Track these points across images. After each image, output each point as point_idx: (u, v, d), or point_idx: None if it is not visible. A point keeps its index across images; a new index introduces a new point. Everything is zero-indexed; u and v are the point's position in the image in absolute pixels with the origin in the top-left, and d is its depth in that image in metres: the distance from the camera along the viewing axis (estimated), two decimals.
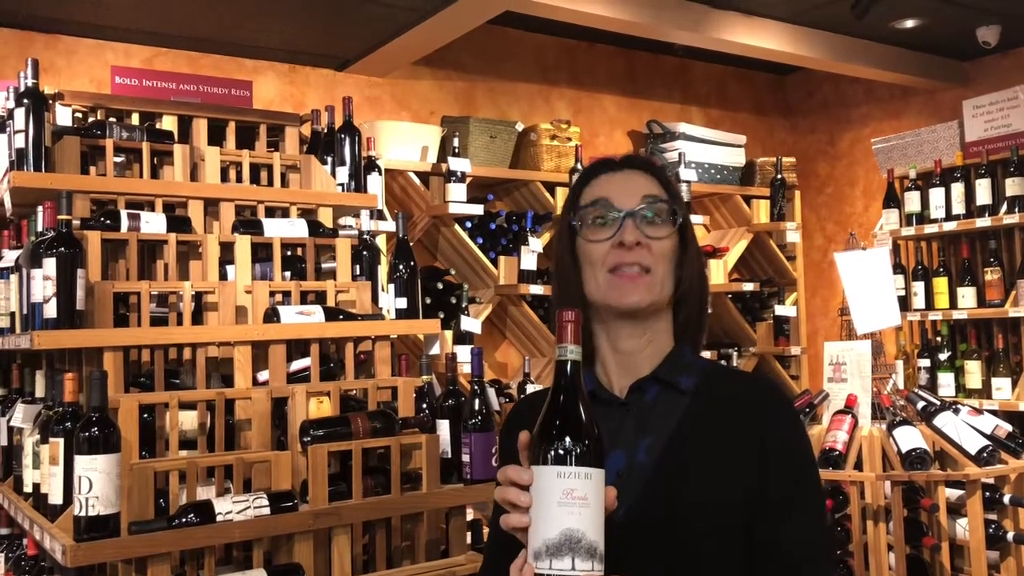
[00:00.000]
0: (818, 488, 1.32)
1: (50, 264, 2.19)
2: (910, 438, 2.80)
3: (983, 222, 4.54)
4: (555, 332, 1.15)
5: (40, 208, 2.38)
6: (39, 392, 2.65)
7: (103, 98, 3.07)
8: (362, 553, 2.28)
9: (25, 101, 2.47)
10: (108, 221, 2.44)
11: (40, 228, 2.39)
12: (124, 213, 2.47)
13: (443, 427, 2.50)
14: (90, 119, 2.95)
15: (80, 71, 4.12)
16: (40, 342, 2.15)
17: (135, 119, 2.98)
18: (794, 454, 1.29)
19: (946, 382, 4.69)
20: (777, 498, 1.24)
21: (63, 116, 2.90)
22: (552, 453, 1.08)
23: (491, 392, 3.65)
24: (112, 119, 2.88)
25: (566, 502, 1.06)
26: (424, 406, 2.65)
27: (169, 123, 2.99)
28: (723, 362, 4.86)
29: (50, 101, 2.70)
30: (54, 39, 4.09)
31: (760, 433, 1.27)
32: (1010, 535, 2.84)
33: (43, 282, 2.21)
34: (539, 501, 1.08)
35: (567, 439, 1.09)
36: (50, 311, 2.19)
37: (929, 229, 4.75)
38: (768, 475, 1.24)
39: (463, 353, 3.84)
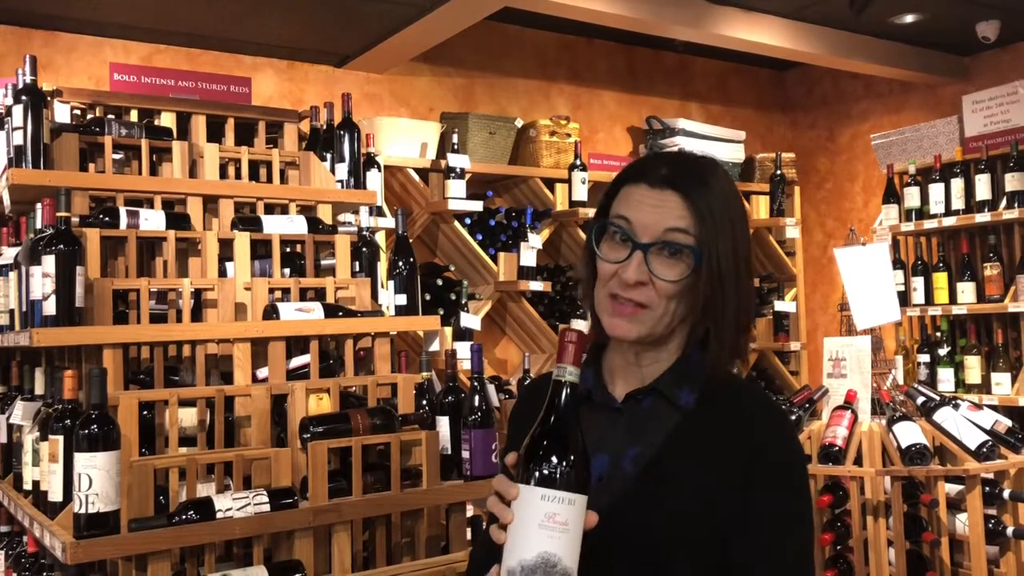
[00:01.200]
0: (806, 513, 1.26)
1: (49, 261, 2.19)
2: (910, 433, 2.80)
3: (982, 217, 4.54)
4: (559, 342, 1.12)
5: (39, 205, 2.37)
6: (38, 389, 2.65)
7: (102, 95, 3.06)
8: (362, 550, 2.28)
9: (23, 98, 2.47)
10: (107, 218, 2.43)
11: (39, 225, 2.39)
12: (123, 210, 2.46)
13: (443, 424, 2.50)
14: (89, 116, 2.95)
15: (79, 68, 4.12)
16: (39, 339, 2.15)
17: (134, 116, 2.98)
18: (786, 476, 1.25)
19: (945, 377, 4.69)
20: (763, 521, 1.21)
21: (62, 113, 2.89)
22: (538, 474, 1.07)
23: (491, 388, 3.65)
24: (111, 116, 2.87)
25: (547, 525, 1.05)
26: (424, 403, 2.65)
27: (168, 120, 2.99)
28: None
29: (48, 98, 2.70)
30: (52, 36, 4.08)
31: (753, 453, 1.23)
32: (1010, 530, 2.84)
33: (42, 279, 2.21)
34: (520, 520, 1.07)
35: (555, 462, 1.07)
36: (49, 308, 2.19)
37: (928, 224, 4.75)
38: (755, 496, 1.21)
39: (463, 350, 3.84)
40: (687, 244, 1.23)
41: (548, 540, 1.04)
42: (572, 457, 1.08)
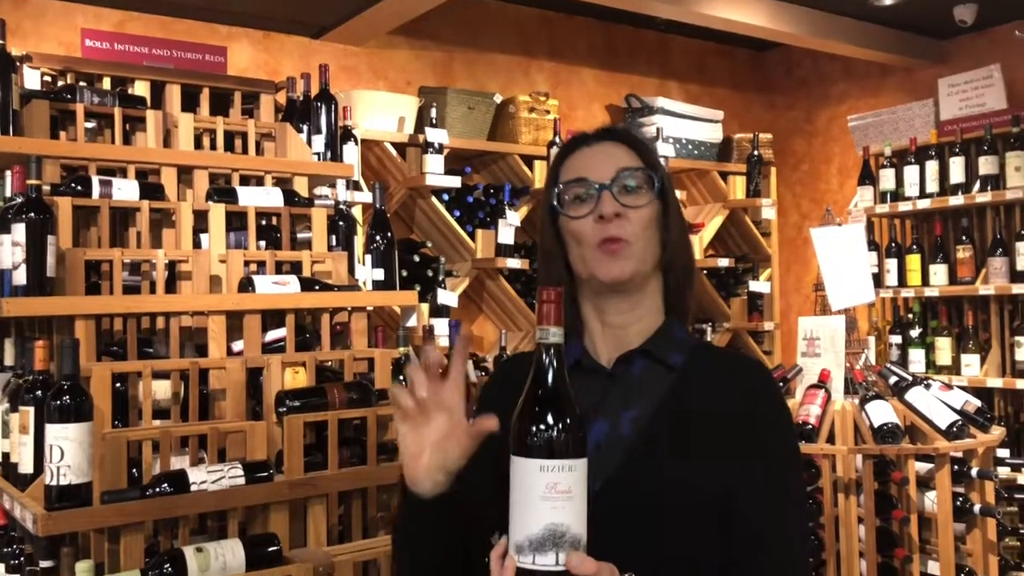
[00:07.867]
0: (800, 474, 1.34)
1: (19, 230, 2.15)
2: (882, 413, 2.83)
3: (956, 200, 4.58)
4: (535, 311, 1.10)
5: (8, 173, 2.33)
6: (8, 360, 2.61)
7: (73, 61, 3.01)
8: (338, 523, 2.28)
9: None
10: (79, 187, 2.39)
11: (8, 193, 2.34)
12: (96, 179, 2.42)
13: None
14: (59, 83, 2.89)
15: (49, 34, 4.03)
16: (9, 309, 2.12)
17: (106, 84, 2.92)
18: (780, 439, 1.30)
19: (916, 358, 4.75)
20: (760, 483, 1.25)
21: (31, 79, 2.84)
22: (534, 444, 1.04)
23: (468, 365, 3.64)
24: (83, 83, 2.82)
25: (549, 496, 1.02)
26: (401, 378, 2.64)
27: (141, 88, 2.94)
28: (698, 336, 4.88)
29: (18, 63, 2.64)
30: (21, 0, 3.99)
31: (746, 415, 1.27)
32: (976, 508, 2.89)
33: (12, 248, 2.17)
34: (520, 493, 1.04)
35: (549, 429, 1.04)
36: (19, 278, 2.15)
37: (903, 207, 4.79)
38: (752, 458, 1.25)
39: (440, 326, 3.83)
40: (642, 176, 1.33)
41: (552, 511, 1.02)
42: (567, 421, 1.05)
